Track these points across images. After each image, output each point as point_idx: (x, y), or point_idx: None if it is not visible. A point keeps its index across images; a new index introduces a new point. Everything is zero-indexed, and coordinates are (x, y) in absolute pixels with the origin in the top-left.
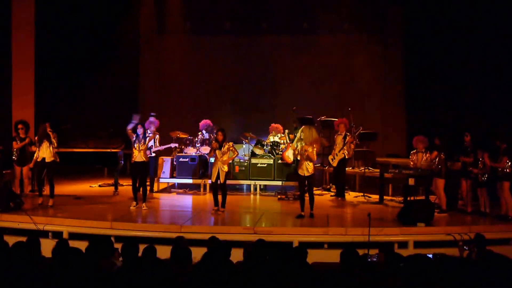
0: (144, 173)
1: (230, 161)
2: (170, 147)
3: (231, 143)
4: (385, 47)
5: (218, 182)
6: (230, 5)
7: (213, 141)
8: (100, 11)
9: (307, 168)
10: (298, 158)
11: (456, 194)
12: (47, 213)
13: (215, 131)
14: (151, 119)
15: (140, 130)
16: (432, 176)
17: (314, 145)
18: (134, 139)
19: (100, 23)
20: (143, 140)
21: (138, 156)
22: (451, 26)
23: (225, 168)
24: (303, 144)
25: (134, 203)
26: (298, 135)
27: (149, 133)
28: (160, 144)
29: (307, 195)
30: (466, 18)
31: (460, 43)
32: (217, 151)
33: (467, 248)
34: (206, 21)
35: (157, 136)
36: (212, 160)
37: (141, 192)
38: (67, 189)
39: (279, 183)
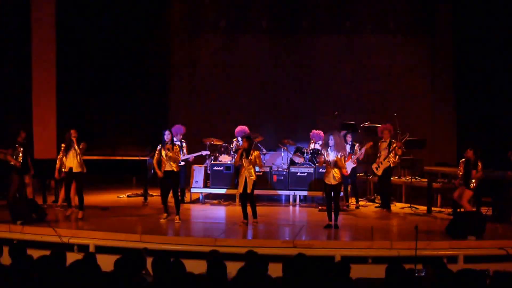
0: (175, 184)
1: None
2: (201, 155)
3: (258, 152)
4: (433, 48)
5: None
6: (268, 3)
7: (240, 147)
8: (129, 9)
9: (335, 176)
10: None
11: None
12: (72, 225)
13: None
14: (177, 126)
15: (167, 137)
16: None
17: (343, 152)
18: (160, 147)
19: (128, 22)
20: (171, 147)
21: (167, 165)
22: (506, 24)
23: (253, 177)
24: (329, 152)
25: (165, 214)
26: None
27: (176, 141)
28: (188, 152)
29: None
30: None
31: None
32: (243, 160)
33: None
34: (242, 20)
35: (184, 144)
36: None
37: (173, 204)
38: (94, 200)
39: (320, 193)
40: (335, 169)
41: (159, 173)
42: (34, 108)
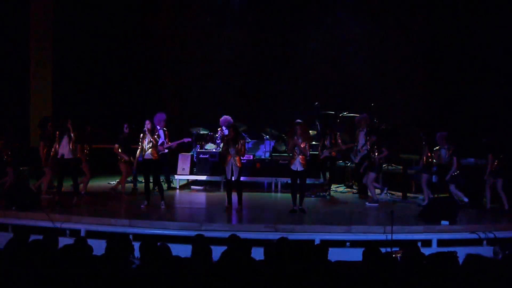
0: (155, 171)
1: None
2: (184, 142)
3: (243, 141)
4: (411, 38)
5: (233, 179)
6: None
7: (226, 136)
8: (119, 3)
9: (301, 163)
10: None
11: (481, 191)
12: (64, 210)
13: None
14: (159, 113)
15: (148, 126)
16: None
17: (308, 141)
18: (142, 135)
19: (118, 14)
20: (150, 137)
21: (146, 153)
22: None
23: (239, 164)
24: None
25: (146, 202)
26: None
27: (159, 129)
28: (171, 141)
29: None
30: None
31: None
32: (230, 148)
33: (508, 253)
34: (227, 13)
35: (166, 132)
36: None
37: (157, 190)
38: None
39: None
40: (301, 156)
41: (133, 161)
42: (32, 99)
